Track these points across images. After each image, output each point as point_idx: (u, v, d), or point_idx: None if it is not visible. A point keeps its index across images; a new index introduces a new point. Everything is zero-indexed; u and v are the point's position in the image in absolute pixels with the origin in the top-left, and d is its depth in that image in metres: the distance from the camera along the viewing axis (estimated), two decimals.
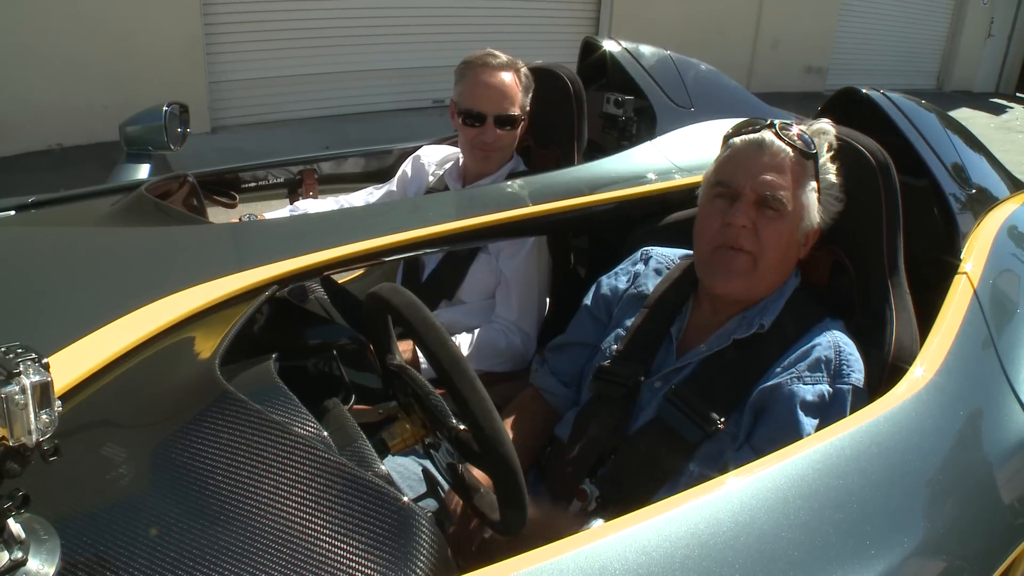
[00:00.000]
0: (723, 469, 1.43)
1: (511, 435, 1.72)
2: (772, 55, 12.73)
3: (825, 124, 1.70)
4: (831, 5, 13.58)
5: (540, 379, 1.87)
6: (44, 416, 0.81)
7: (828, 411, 1.46)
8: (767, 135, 1.61)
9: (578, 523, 1.48)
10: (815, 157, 1.62)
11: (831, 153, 1.67)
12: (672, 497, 1.16)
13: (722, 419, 1.52)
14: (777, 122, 1.64)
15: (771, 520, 1.16)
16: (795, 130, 1.63)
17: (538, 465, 1.77)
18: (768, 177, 1.58)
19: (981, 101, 15.63)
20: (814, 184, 1.62)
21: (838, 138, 1.70)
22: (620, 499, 1.54)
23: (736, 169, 1.62)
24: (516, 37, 9.22)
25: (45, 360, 0.82)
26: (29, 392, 0.79)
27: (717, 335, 1.63)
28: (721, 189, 1.63)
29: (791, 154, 1.59)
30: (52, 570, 0.88)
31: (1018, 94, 17.42)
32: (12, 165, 6.38)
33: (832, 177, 1.66)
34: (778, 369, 1.52)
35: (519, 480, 1.19)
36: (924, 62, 16.40)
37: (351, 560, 0.95)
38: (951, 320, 1.66)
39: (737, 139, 1.66)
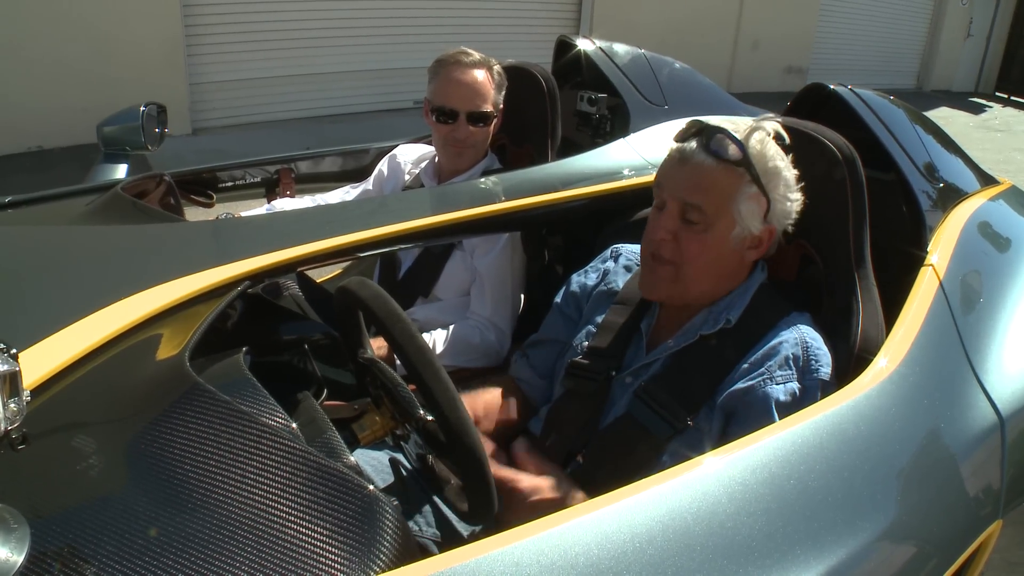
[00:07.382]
0: None
1: (485, 416, 1.72)
2: (752, 55, 12.80)
3: (765, 123, 1.61)
4: (811, 5, 13.66)
5: (518, 370, 1.87)
6: (12, 405, 0.83)
7: (800, 408, 1.45)
8: (690, 145, 1.57)
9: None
10: (747, 164, 1.54)
11: (782, 147, 1.61)
12: (634, 484, 1.17)
13: (691, 415, 1.53)
14: (712, 126, 1.56)
15: (733, 506, 1.17)
16: (726, 137, 1.54)
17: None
18: (688, 190, 1.55)
19: (961, 100, 15.79)
20: (753, 190, 1.54)
21: (791, 131, 1.64)
22: (591, 494, 1.55)
23: (663, 179, 1.61)
24: (496, 38, 9.25)
25: (14, 350, 0.84)
26: None
27: (684, 331, 1.63)
28: (655, 199, 1.63)
29: (715, 164, 1.54)
30: (21, 558, 0.90)
31: (997, 93, 17.58)
32: None
33: (787, 174, 1.59)
34: (745, 365, 1.52)
35: (485, 469, 1.20)
36: (904, 62, 16.54)
37: (316, 545, 0.96)
38: (916, 311, 1.66)
39: (673, 146, 1.63)
